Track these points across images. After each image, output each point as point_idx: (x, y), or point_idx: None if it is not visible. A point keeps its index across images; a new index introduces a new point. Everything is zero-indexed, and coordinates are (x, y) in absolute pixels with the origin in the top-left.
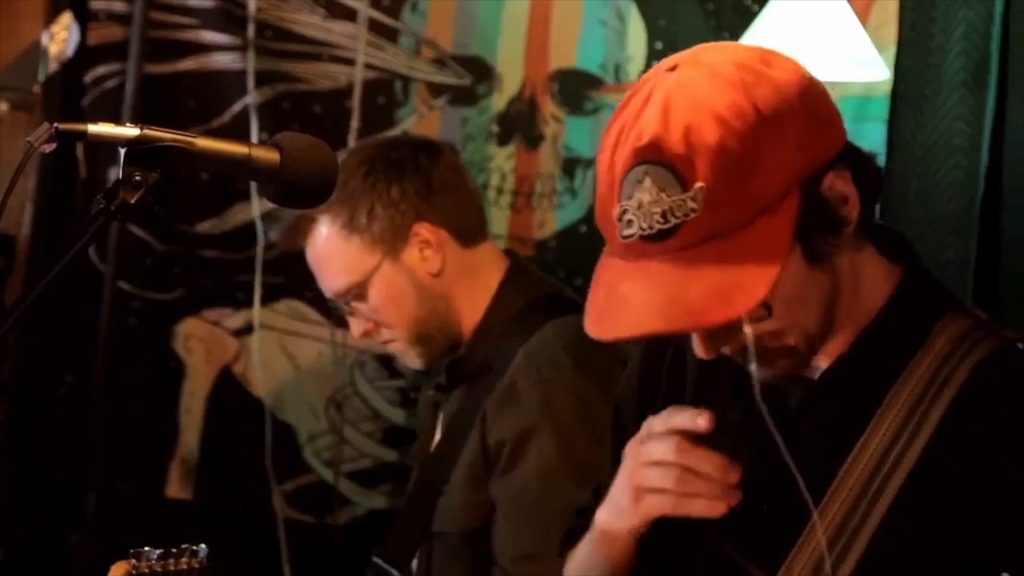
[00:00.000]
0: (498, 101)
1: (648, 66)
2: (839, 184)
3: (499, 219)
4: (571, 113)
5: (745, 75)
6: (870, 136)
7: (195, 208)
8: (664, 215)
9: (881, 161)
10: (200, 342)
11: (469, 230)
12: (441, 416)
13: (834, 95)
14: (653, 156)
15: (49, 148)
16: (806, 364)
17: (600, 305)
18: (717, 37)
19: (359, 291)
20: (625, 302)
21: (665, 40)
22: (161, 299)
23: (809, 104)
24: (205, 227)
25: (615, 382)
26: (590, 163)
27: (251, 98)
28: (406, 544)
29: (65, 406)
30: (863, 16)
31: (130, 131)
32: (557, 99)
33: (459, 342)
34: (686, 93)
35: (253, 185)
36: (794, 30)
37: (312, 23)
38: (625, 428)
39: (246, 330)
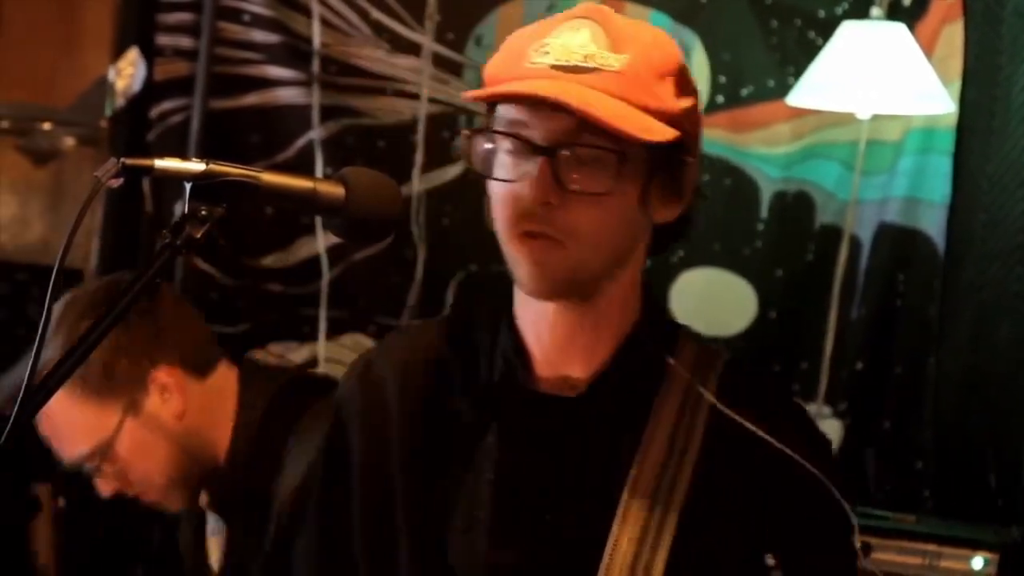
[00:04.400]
0: None
1: (712, 100)
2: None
3: None
4: None
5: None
6: (936, 169)
7: (260, 242)
8: (586, 57)
9: (947, 193)
10: None
11: (203, 360)
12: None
13: (899, 128)
14: (598, 17)
15: (116, 183)
16: (567, 280)
17: (520, 75)
18: (781, 71)
19: (104, 453)
20: (558, 87)
21: (728, 74)
22: (227, 333)
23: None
24: (270, 261)
25: None
26: None
27: (316, 133)
28: None
29: None
30: (928, 48)
31: (196, 166)
32: None
33: (217, 468)
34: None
35: (318, 219)
36: (858, 63)
37: (376, 58)
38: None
39: (311, 364)
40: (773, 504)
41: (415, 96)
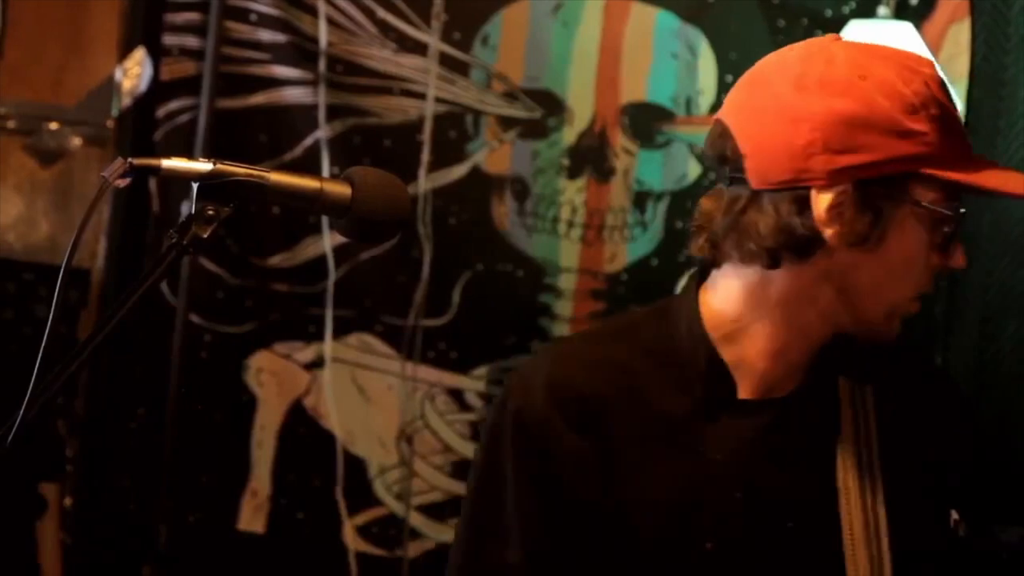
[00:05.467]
0: (569, 134)
1: (719, 100)
2: None
3: (569, 252)
4: (642, 146)
5: None
6: None
7: (266, 242)
8: None
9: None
10: (271, 375)
11: None
12: None
13: None
14: None
15: (124, 183)
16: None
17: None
18: None
19: None
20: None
21: (735, 73)
22: (233, 332)
23: None
24: (276, 261)
25: None
26: (661, 196)
27: (322, 132)
28: None
29: (137, 439)
30: (935, 48)
31: (203, 166)
32: (628, 132)
33: None
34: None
35: (324, 219)
36: None
37: (383, 57)
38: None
39: (317, 363)
40: (942, 428)
41: (421, 96)
